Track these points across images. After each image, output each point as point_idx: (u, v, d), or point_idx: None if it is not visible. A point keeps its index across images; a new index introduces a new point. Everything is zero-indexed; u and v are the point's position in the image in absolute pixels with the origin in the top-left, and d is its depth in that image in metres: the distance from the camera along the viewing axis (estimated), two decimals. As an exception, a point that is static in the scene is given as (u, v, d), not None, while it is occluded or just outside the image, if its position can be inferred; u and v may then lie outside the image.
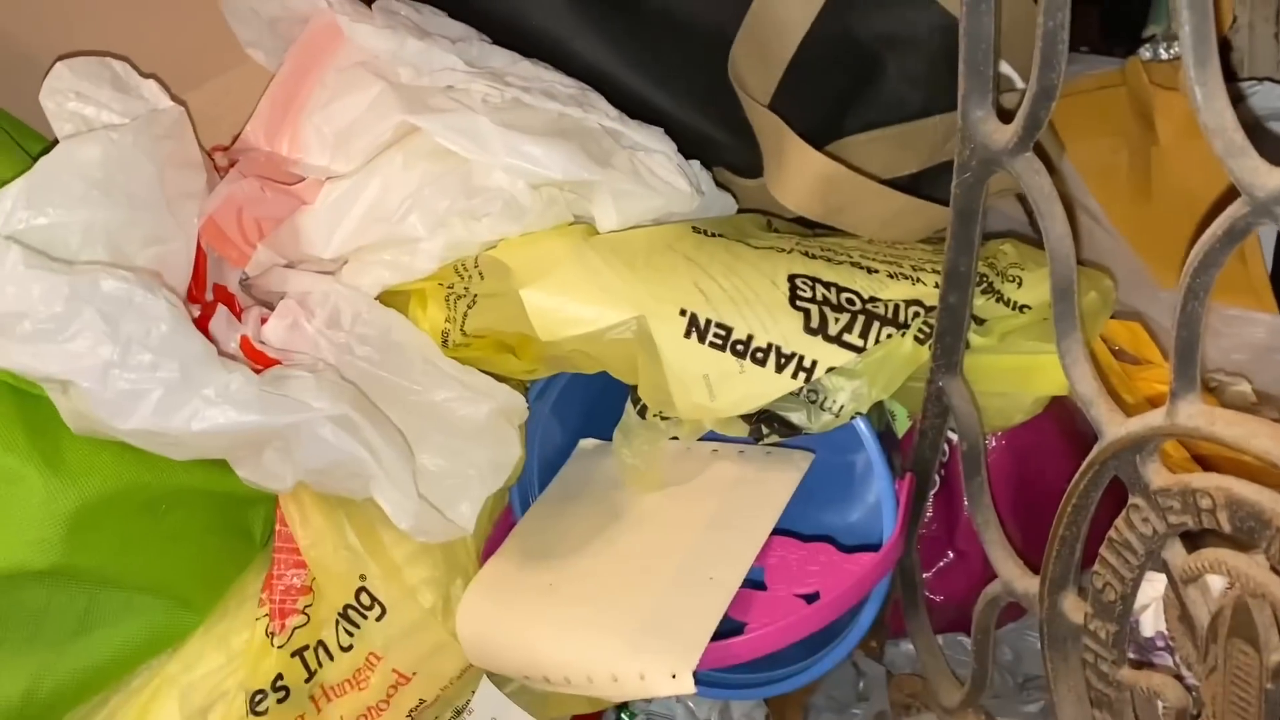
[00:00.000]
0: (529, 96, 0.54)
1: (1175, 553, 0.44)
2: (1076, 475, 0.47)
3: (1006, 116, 0.47)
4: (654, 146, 0.57)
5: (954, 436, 0.60)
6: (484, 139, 0.52)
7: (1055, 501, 0.64)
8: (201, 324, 0.52)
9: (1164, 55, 0.84)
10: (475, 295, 0.55)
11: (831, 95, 0.65)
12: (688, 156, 0.65)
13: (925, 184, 0.69)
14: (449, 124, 0.52)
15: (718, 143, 0.64)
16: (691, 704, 0.70)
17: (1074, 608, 0.50)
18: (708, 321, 0.52)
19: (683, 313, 0.52)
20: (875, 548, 0.63)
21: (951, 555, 0.68)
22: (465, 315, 0.55)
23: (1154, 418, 0.42)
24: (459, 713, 0.61)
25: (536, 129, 0.53)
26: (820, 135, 0.64)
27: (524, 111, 0.54)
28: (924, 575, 0.66)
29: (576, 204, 0.55)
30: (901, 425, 0.69)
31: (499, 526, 0.63)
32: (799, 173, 0.60)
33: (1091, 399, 0.46)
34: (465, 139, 0.52)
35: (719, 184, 0.64)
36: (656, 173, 0.56)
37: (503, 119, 0.52)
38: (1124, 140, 0.74)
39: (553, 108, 0.54)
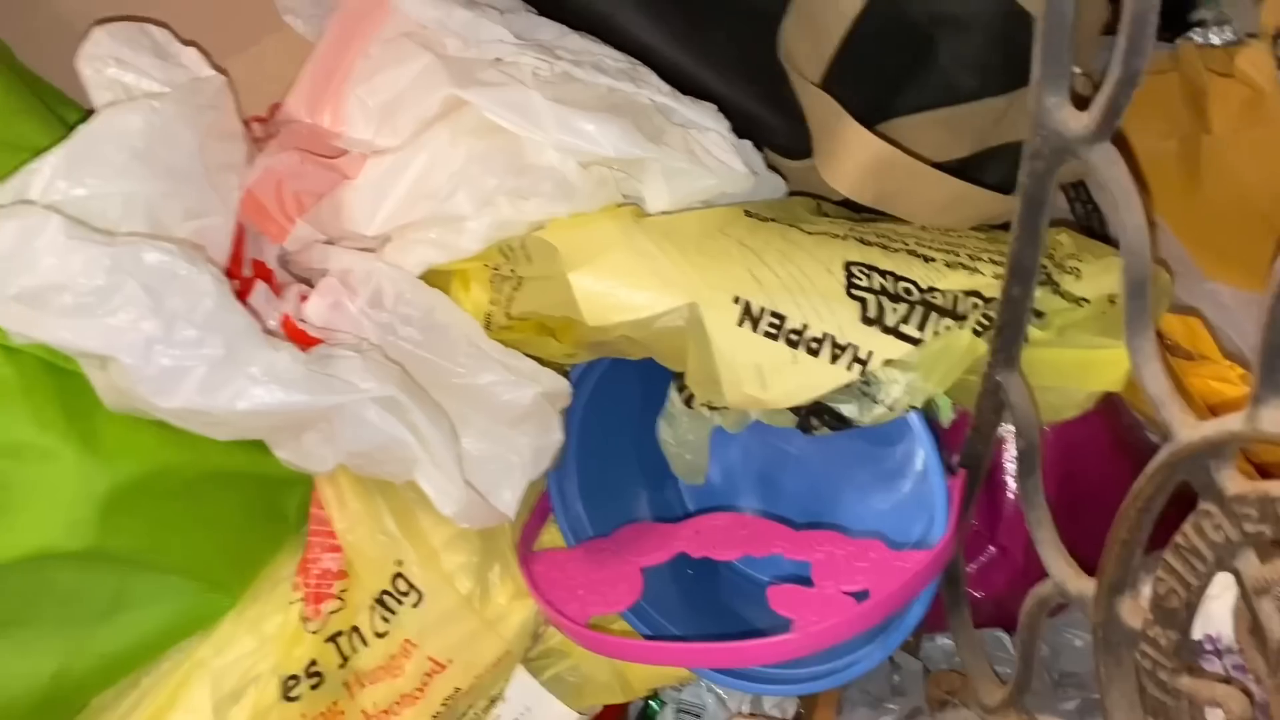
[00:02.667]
0: (579, 70, 0.52)
1: (1248, 562, 0.42)
2: (1142, 477, 0.45)
3: (1080, 102, 0.45)
4: (707, 124, 0.55)
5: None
6: (535, 114, 0.50)
7: (1101, 497, 0.63)
8: (240, 300, 0.50)
9: (1214, 40, 0.82)
10: (521, 278, 0.53)
11: (883, 76, 0.63)
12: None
13: (974, 169, 0.68)
14: (499, 98, 0.50)
15: (764, 123, 0.63)
16: (723, 694, 0.69)
17: (1132, 612, 0.48)
18: (761, 310, 0.50)
19: (736, 300, 0.50)
20: (917, 542, 0.62)
21: (993, 550, 0.67)
22: (511, 298, 0.53)
23: (1232, 422, 0.41)
24: (493, 701, 0.60)
25: (588, 104, 0.51)
26: (870, 116, 0.62)
27: (575, 86, 0.52)
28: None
29: (625, 183, 0.53)
30: (945, 416, 0.67)
31: (535, 513, 0.61)
32: (852, 155, 0.58)
33: (1163, 399, 0.44)
34: (516, 114, 0.50)
35: (768, 165, 0.62)
36: (711, 151, 0.54)
37: (554, 93, 0.50)
38: (1173, 127, 0.72)
39: (603, 82, 0.53)
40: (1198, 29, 0.82)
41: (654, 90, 0.55)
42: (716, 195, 0.55)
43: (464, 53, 0.53)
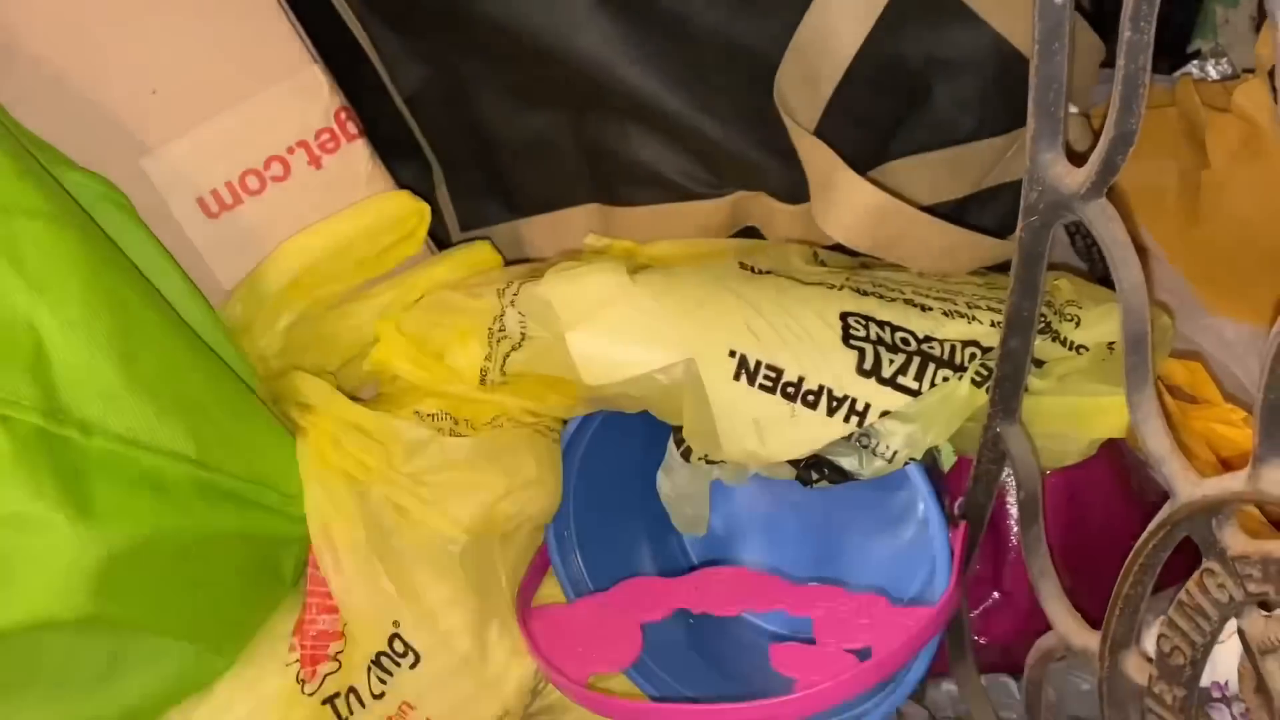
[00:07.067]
0: None
1: (1253, 622, 0.42)
2: (1145, 534, 0.45)
3: (1077, 158, 0.45)
4: None
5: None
6: None
7: (1105, 542, 0.62)
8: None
9: (1212, 74, 0.82)
10: (526, 336, 0.53)
11: (879, 119, 0.63)
12: (729, 180, 0.63)
13: (973, 209, 0.68)
14: None
15: (761, 167, 0.63)
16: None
17: (1137, 668, 0.48)
18: (758, 363, 0.50)
19: (732, 354, 0.50)
20: (919, 592, 0.62)
21: (997, 595, 0.67)
22: (507, 356, 0.53)
23: (1234, 481, 0.40)
24: (492, 759, 0.59)
25: None
26: (866, 159, 0.62)
27: None
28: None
29: None
30: (946, 460, 0.67)
31: (534, 567, 0.61)
32: (847, 204, 0.58)
33: (1163, 457, 0.44)
34: None
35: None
36: None
37: None
38: (1172, 162, 0.72)
39: None
40: (1195, 61, 0.82)
41: None
42: None
43: None
